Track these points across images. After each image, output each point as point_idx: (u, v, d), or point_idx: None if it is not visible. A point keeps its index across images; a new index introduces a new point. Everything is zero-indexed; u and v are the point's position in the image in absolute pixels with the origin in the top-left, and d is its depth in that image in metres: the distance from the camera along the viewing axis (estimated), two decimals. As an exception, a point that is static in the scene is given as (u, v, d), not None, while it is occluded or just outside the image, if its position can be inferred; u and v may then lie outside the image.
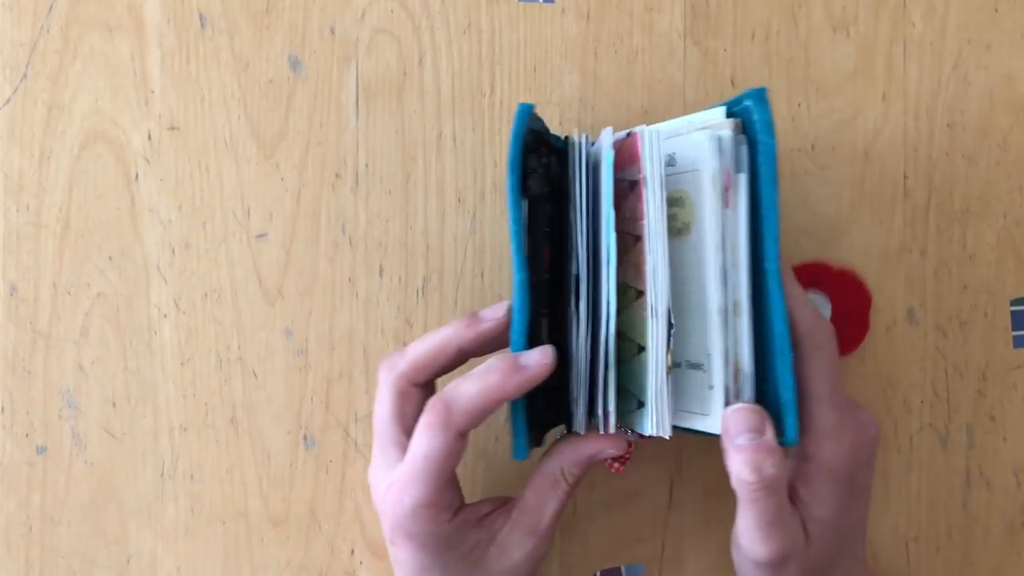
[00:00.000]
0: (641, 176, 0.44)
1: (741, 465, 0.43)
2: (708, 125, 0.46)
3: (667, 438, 0.45)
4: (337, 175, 0.56)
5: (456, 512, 0.47)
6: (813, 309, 0.46)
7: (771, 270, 0.44)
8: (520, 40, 0.56)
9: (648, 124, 0.56)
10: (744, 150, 0.45)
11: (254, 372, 0.56)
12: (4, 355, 0.56)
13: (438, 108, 0.56)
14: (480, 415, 0.44)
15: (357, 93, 0.56)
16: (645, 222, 0.44)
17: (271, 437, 0.56)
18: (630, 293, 0.46)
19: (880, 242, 0.56)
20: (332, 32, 0.56)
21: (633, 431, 0.52)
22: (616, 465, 0.53)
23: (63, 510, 0.56)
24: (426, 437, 0.44)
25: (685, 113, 0.56)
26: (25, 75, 0.56)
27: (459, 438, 0.45)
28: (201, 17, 0.56)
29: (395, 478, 0.46)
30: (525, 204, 0.46)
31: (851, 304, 0.55)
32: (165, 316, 0.56)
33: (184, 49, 0.56)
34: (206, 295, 0.56)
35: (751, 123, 0.45)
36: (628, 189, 0.45)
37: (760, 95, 0.44)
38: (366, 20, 0.56)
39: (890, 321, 0.56)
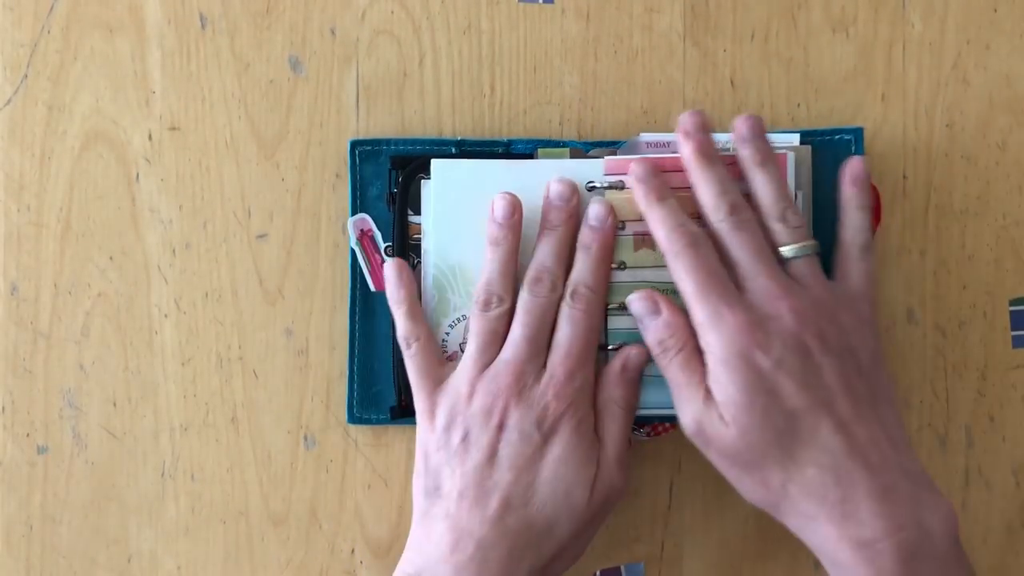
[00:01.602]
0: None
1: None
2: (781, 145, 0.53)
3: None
4: (337, 175, 0.56)
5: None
6: (674, 221, 0.49)
7: None
8: (520, 40, 0.56)
9: (648, 125, 0.56)
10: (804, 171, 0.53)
11: (255, 372, 0.56)
12: (5, 355, 0.56)
13: (438, 108, 0.56)
14: (606, 277, 0.52)
15: (357, 93, 0.56)
16: None
17: (272, 437, 0.56)
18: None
19: (879, 242, 0.56)
20: (332, 32, 0.56)
21: (637, 428, 0.53)
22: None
23: (64, 510, 0.56)
24: (586, 321, 0.51)
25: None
26: (26, 75, 0.56)
27: (599, 311, 0.52)
28: (201, 17, 0.56)
29: (554, 370, 0.50)
30: None
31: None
32: (166, 316, 0.56)
33: (184, 49, 0.56)
34: (207, 295, 0.56)
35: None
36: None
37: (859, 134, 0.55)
38: (366, 21, 0.56)
39: (889, 321, 0.56)
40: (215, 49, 0.56)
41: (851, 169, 0.52)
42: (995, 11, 0.56)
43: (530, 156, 0.54)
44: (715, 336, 0.48)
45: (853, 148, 0.54)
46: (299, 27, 0.56)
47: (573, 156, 0.54)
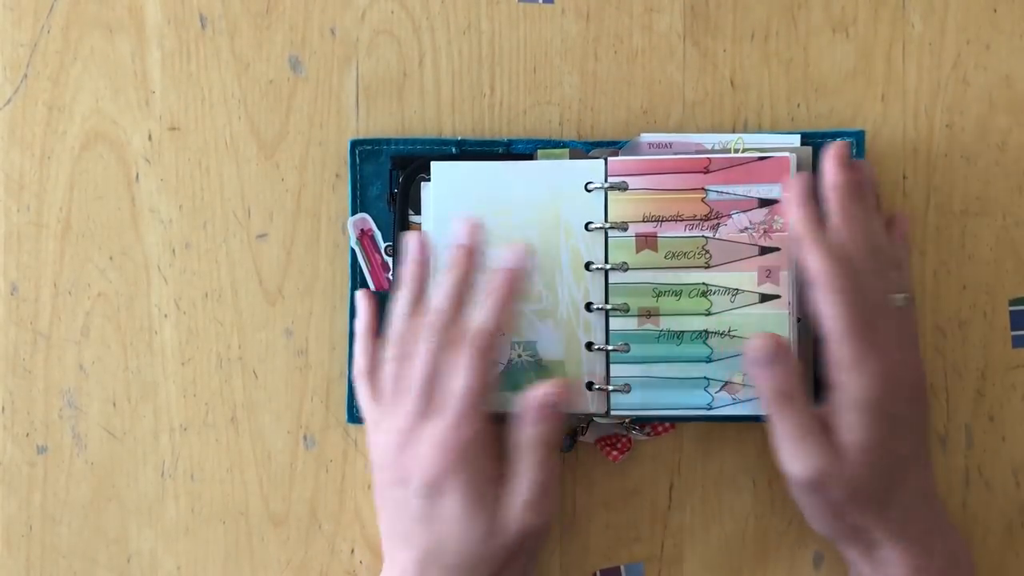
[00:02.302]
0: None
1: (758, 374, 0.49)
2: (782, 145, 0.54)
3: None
4: (337, 175, 0.56)
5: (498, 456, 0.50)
6: (828, 255, 0.49)
7: None
8: (520, 40, 0.56)
9: (648, 125, 0.56)
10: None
11: (254, 372, 0.56)
12: (5, 355, 0.56)
13: (438, 108, 0.56)
14: (499, 330, 0.50)
15: (357, 93, 0.56)
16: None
17: (271, 437, 0.56)
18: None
19: (879, 242, 0.56)
20: (332, 32, 0.56)
21: (637, 428, 0.53)
22: (614, 454, 0.54)
23: (64, 510, 0.56)
24: (469, 368, 0.48)
25: (684, 114, 0.56)
26: (26, 75, 0.56)
27: (495, 359, 0.50)
28: (201, 17, 0.56)
29: (443, 418, 0.48)
30: None
31: None
32: (166, 316, 0.56)
33: (185, 49, 0.56)
34: (207, 295, 0.56)
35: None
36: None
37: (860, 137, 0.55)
38: (366, 21, 0.56)
39: (889, 321, 0.56)
40: (215, 49, 0.56)
41: (900, 223, 0.54)
42: (995, 11, 0.56)
43: (530, 157, 0.54)
44: (858, 378, 0.48)
45: (854, 150, 0.54)
46: (299, 27, 0.56)
47: (573, 157, 0.54)
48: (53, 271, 0.56)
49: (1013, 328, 0.56)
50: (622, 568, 0.56)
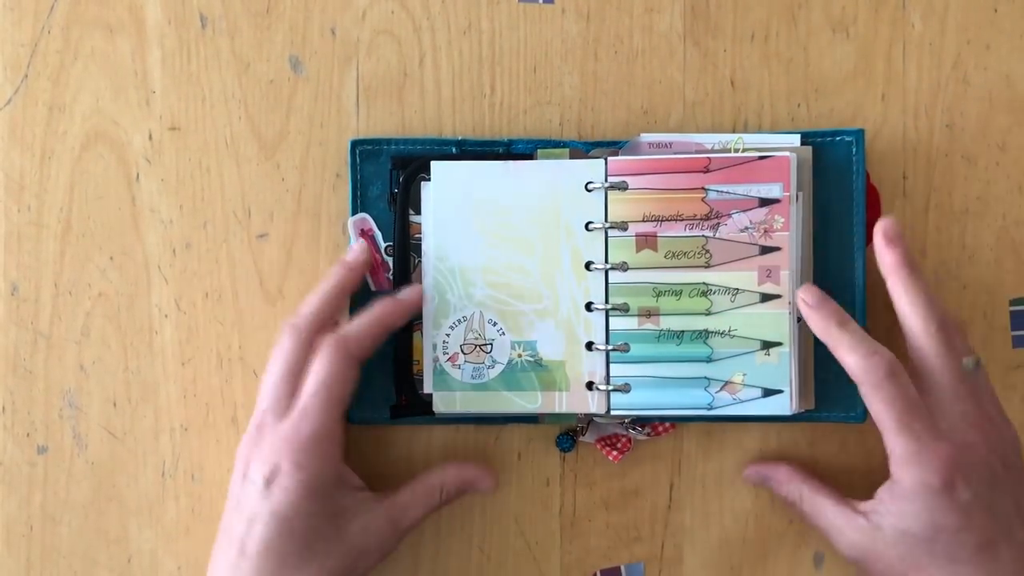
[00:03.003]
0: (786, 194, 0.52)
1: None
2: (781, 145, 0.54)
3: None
4: (337, 175, 0.56)
5: (342, 460, 0.50)
6: (866, 349, 0.48)
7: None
8: (520, 40, 0.56)
9: (648, 125, 0.56)
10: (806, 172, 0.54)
11: (255, 372, 0.56)
12: (5, 355, 0.56)
13: (438, 108, 0.56)
14: (371, 342, 0.51)
15: (357, 93, 0.56)
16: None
17: (272, 437, 0.56)
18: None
19: (880, 242, 0.56)
20: (332, 32, 0.56)
21: (637, 428, 0.53)
22: (614, 454, 0.54)
23: (64, 510, 0.56)
24: (325, 363, 0.49)
25: (684, 114, 0.56)
26: (26, 75, 0.56)
27: (354, 365, 0.50)
28: (202, 17, 0.56)
29: (291, 414, 0.48)
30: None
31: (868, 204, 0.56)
32: (166, 316, 0.56)
33: (185, 49, 0.56)
34: (207, 295, 0.56)
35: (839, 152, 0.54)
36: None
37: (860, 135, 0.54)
38: (366, 20, 0.56)
39: (890, 321, 0.56)
40: (215, 49, 0.56)
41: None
42: (995, 11, 0.56)
43: (530, 157, 0.54)
44: (917, 470, 0.46)
45: (854, 149, 0.54)
46: (299, 27, 0.56)
47: (573, 157, 0.54)
48: (53, 271, 0.56)
49: (1013, 328, 0.56)
50: (622, 568, 0.56)
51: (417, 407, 0.54)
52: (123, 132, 0.56)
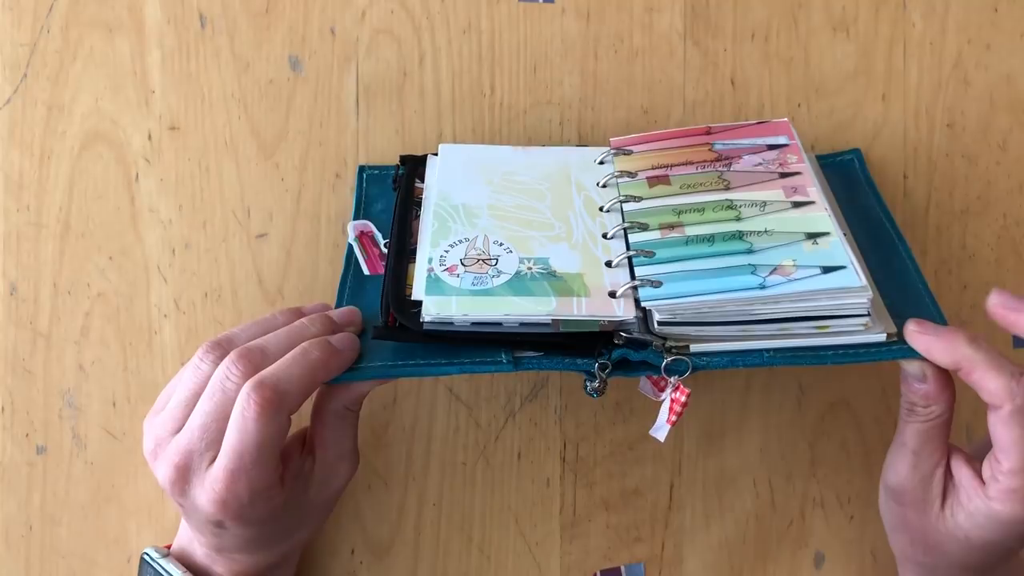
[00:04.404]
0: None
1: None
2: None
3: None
4: (337, 175, 0.56)
5: (282, 481, 0.46)
6: (1011, 370, 0.44)
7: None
8: (520, 40, 0.56)
9: (648, 125, 0.56)
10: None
11: (254, 372, 0.56)
12: (4, 355, 0.56)
13: (438, 108, 0.56)
14: (305, 395, 0.45)
15: (357, 93, 0.56)
16: None
17: (271, 437, 0.56)
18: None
19: (880, 242, 0.56)
20: (332, 32, 0.56)
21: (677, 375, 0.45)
22: (676, 410, 0.45)
23: (63, 510, 0.56)
24: (261, 423, 0.43)
25: (684, 114, 0.56)
26: (25, 75, 0.56)
27: (289, 420, 0.44)
28: (201, 17, 0.56)
29: (218, 473, 0.44)
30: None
31: None
32: (165, 316, 0.56)
33: (184, 49, 0.56)
34: (206, 295, 0.56)
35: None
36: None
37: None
38: (366, 20, 0.56)
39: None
40: (215, 49, 0.56)
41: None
42: (996, 11, 0.56)
43: None
44: (1021, 508, 0.44)
45: (857, 165, 0.54)
46: (299, 27, 0.56)
47: None
48: (53, 271, 0.56)
49: (1014, 328, 0.56)
50: (623, 568, 0.56)
51: (406, 326, 0.45)
52: (122, 132, 0.56)
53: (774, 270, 0.44)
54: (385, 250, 0.53)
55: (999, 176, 0.56)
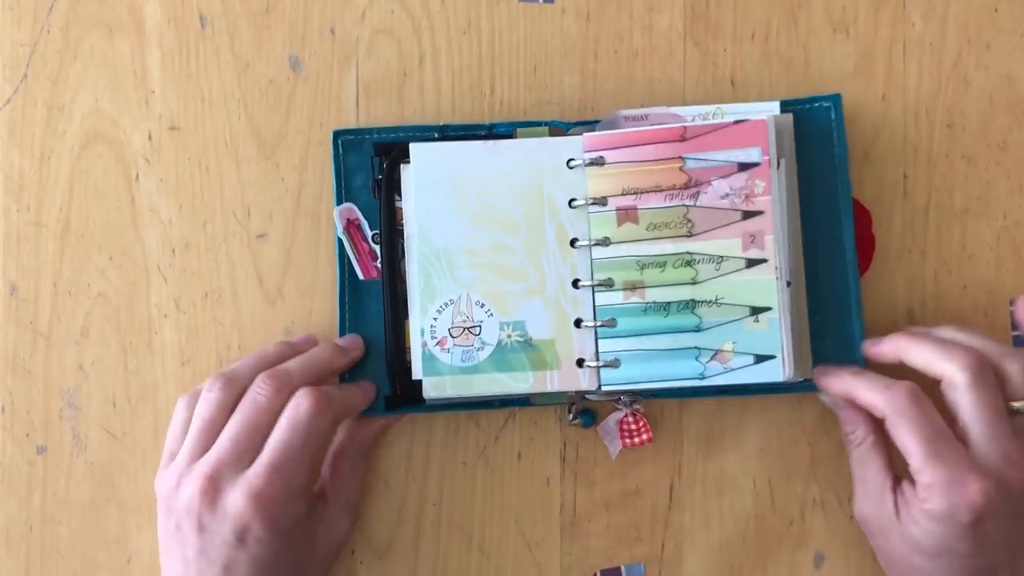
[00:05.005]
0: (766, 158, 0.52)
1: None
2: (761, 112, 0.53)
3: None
4: (337, 175, 0.56)
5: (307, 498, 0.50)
6: (884, 383, 0.49)
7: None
8: (520, 40, 0.56)
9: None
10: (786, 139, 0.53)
11: (254, 372, 0.56)
12: (5, 355, 0.56)
13: (438, 108, 0.56)
14: (346, 415, 0.52)
15: (357, 93, 0.56)
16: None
17: (271, 437, 0.56)
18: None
19: (880, 242, 0.56)
20: (332, 32, 0.56)
21: (630, 410, 0.54)
22: (638, 440, 0.55)
23: (63, 510, 0.56)
24: (313, 419, 0.48)
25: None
26: (25, 75, 0.56)
27: (331, 433, 0.50)
28: (201, 17, 0.56)
29: (259, 469, 0.47)
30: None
31: (856, 225, 0.55)
32: (165, 316, 0.56)
33: (184, 49, 0.56)
34: (206, 295, 0.56)
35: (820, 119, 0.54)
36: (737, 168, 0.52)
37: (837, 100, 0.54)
38: (366, 20, 0.56)
39: (890, 321, 0.56)
40: (215, 49, 0.56)
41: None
42: (995, 11, 0.56)
43: (510, 136, 0.54)
44: (945, 501, 0.46)
45: (833, 115, 0.54)
46: (299, 27, 0.56)
47: (552, 135, 0.54)
48: (53, 271, 0.56)
49: (1013, 328, 0.56)
50: (622, 568, 0.56)
51: (412, 397, 0.53)
52: (122, 132, 0.56)
53: (715, 355, 0.51)
54: (373, 244, 0.54)
55: (999, 176, 0.56)
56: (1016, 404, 0.48)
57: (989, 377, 0.48)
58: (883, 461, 0.51)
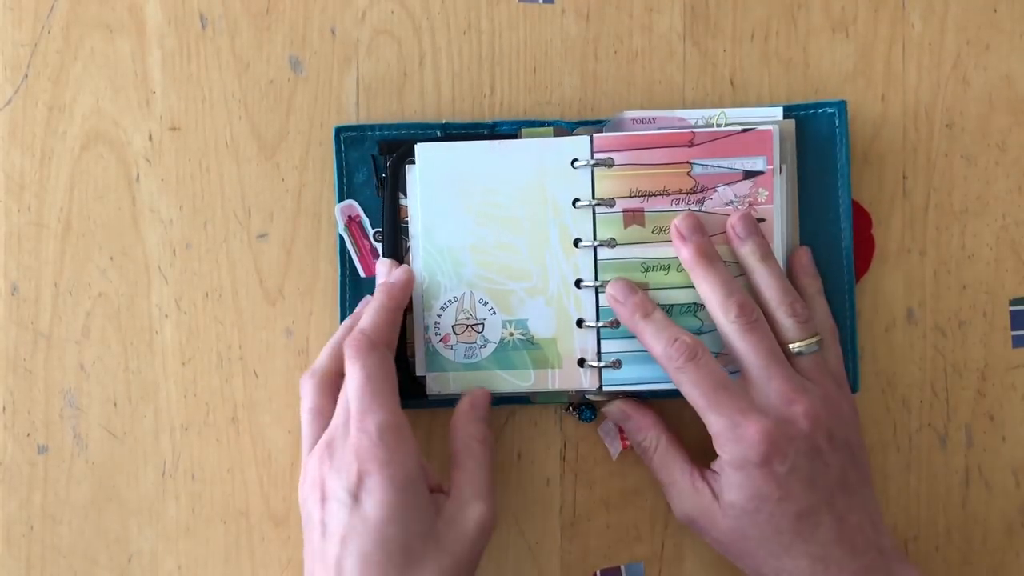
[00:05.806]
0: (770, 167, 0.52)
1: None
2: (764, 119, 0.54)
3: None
4: (337, 175, 0.56)
5: (420, 454, 0.49)
6: (668, 336, 0.50)
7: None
8: (520, 40, 0.56)
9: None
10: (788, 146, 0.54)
11: (255, 372, 0.56)
12: (6, 355, 0.56)
13: (438, 109, 0.56)
14: (387, 327, 0.51)
15: (357, 93, 0.56)
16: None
17: (272, 436, 0.56)
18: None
19: (879, 242, 0.56)
20: (332, 32, 0.56)
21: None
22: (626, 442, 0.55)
23: (64, 509, 0.56)
24: (360, 362, 0.48)
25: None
26: (26, 75, 0.56)
27: (383, 352, 0.49)
28: (202, 18, 0.56)
29: (351, 424, 0.47)
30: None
31: (856, 227, 0.55)
32: (166, 316, 0.56)
33: (185, 50, 0.56)
34: (207, 295, 0.56)
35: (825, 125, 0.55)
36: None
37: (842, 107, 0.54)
38: (366, 21, 0.56)
39: (889, 321, 0.56)
40: (215, 49, 0.56)
41: (798, 260, 0.53)
42: (995, 11, 0.56)
43: (514, 137, 0.54)
44: (733, 447, 0.48)
45: (837, 121, 0.54)
46: (299, 27, 0.56)
47: (557, 135, 0.54)
48: (53, 271, 0.56)
49: (1013, 328, 0.56)
50: (622, 568, 0.56)
51: (413, 391, 0.54)
52: (123, 132, 0.56)
53: (717, 357, 0.50)
54: (375, 242, 0.54)
55: (998, 176, 0.56)
56: (793, 346, 0.50)
57: (760, 323, 0.49)
58: (683, 454, 0.52)
